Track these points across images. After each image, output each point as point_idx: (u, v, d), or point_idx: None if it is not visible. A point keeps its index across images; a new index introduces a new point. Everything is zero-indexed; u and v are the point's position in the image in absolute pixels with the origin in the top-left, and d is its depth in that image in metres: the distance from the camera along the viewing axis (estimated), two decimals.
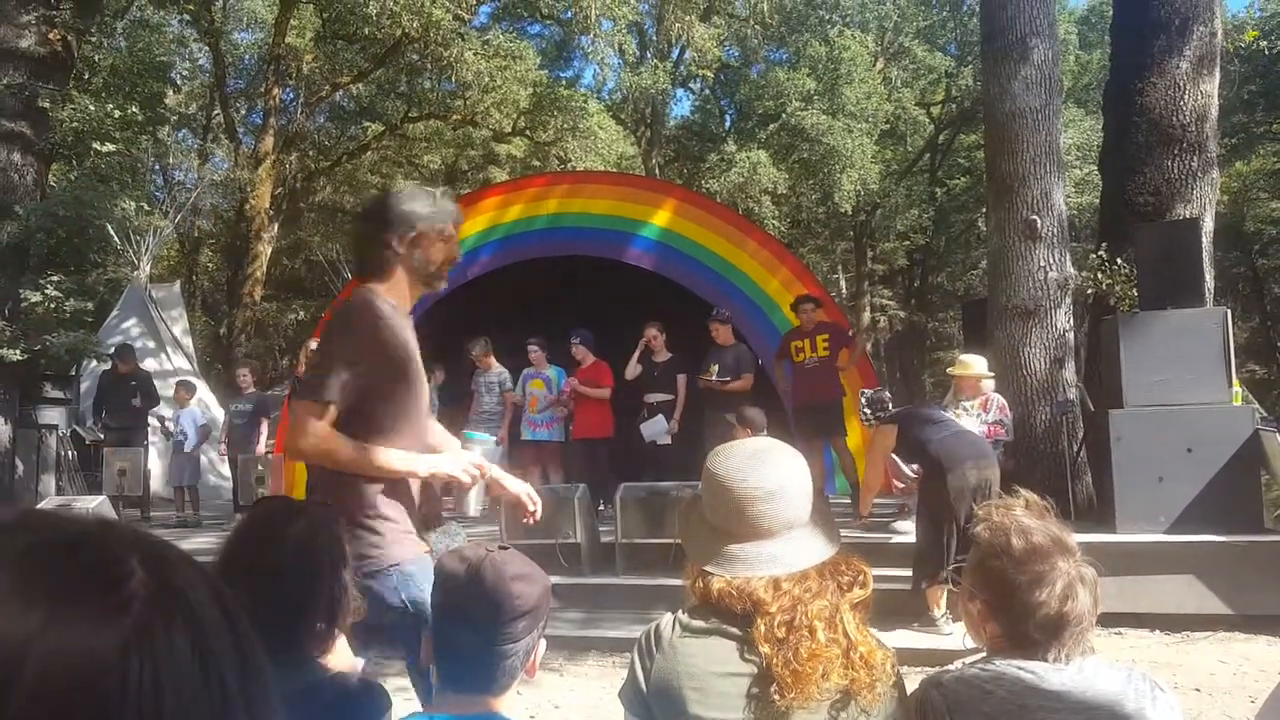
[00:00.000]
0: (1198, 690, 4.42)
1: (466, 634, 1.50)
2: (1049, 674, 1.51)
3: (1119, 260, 7.42)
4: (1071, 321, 7.71)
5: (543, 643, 1.58)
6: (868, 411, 6.66)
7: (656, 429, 8.32)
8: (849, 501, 8.87)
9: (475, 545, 1.61)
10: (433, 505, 6.25)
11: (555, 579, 1.64)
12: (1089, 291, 7.94)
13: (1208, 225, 7.70)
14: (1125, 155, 8.11)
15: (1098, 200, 10.82)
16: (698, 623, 1.57)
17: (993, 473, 5.33)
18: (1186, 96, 7.76)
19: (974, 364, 6.86)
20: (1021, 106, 7.59)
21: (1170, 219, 7.46)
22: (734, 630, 1.53)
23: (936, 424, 5.60)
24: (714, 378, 7.88)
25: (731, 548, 1.57)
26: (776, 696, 1.45)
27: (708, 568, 1.57)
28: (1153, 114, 7.83)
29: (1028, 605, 1.53)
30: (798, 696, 1.44)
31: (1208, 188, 7.79)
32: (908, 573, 5.70)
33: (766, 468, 1.61)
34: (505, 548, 1.60)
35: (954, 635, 5.15)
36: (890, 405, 6.65)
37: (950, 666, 1.63)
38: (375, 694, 1.69)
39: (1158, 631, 5.54)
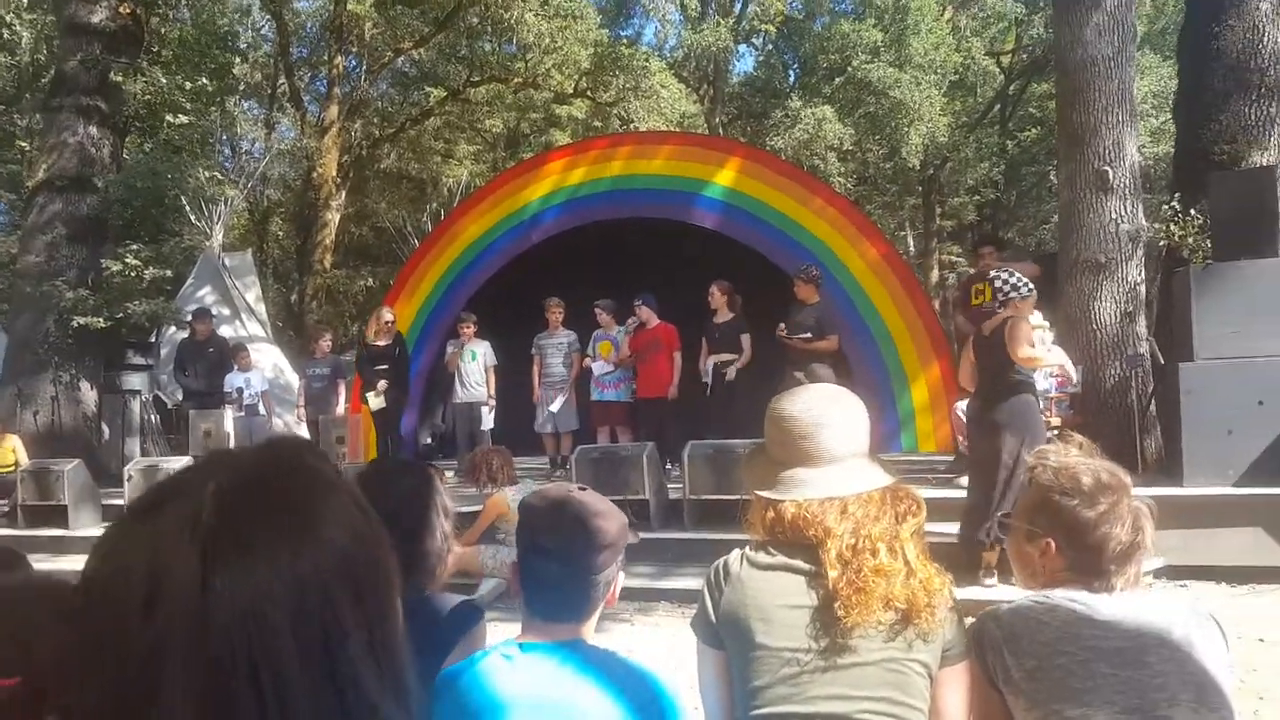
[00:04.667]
0: (1261, 640, 4.41)
1: (553, 566, 1.62)
2: (1100, 604, 1.60)
3: (1192, 211, 7.27)
4: (1143, 274, 7.59)
5: (621, 575, 1.70)
6: (1017, 287, 5.51)
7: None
8: (917, 459, 8.92)
9: (558, 485, 1.75)
10: (509, 465, 6.49)
11: None
12: (1161, 243, 7.78)
13: None
14: (1200, 102, 7.90)
15: (1173, 149, 10.53)
16: (764, 558, 1.68)
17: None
18: (1265, 38, 7.51)
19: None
20: (1093, 54, 7.42)
21: (1245, 167, 7.27)
22: (801, 565, 1.64)
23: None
24: (794, 335, 7.81)
25: (798, 472, 1.69)
26: (841, 613, 1.55)
27: (773, 494, 1.69)
28: (1229, 58, 7.60)
29: (1105, 538, 1.62)
30: (860, 611, 1.54)
31: None
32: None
33: (829, 401, 1.75)
34: (584, 489, 1.73)
35: (997, 588, 5.18)
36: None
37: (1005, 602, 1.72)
38: (469, 609, 1.90)
39: (1223, 584, 5.53)
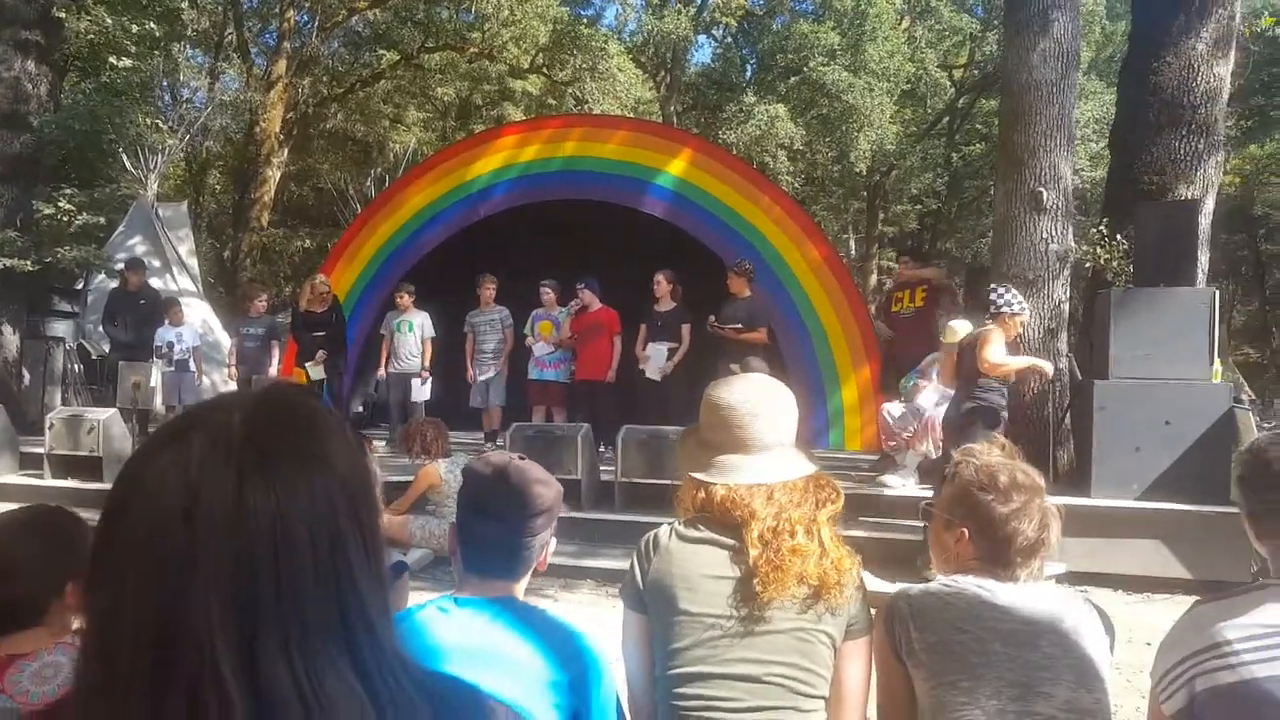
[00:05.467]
0: (1148, 644, 4.68)
1: (491, 526, 1.71)
2: (1000, 591, 1.76)
3: (1119, 236, 7.59)
4: (1069, 293, 7.89)
5: (553, 541, 1.81)
6: (1010, 303, 5.97)
7: (657, 360, 8.49)
8: (842, 456, 9.15)
9: (501, 453, 1.84)
10: (443, 438, 6.53)
11: None
12: (1088, 264, 8.11)
13: (1208, 207, 7.85)
14: (1135, 132, 8.22)
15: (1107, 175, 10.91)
16: (692, 532, 1.81)
17: None
18: (1200, 77, 7.85)
19: (961, 330, 7.05)
20: (1038, 79, 7.67)
21: (1172, 199, 7.62)
22: (726, 540, 1.77)
23: None
24: (725, 325, 8.00)
25: (730, 458, 1.82)
26: (758, 588, 1.69)
27: (705, 477, 1.82)
28: (1165, 93, 7.93)
29: (1014, 532, 1.78)
30: (776, 587, 1.69)
31: (1212, 170, 7.92)
32: (895, 521, 6.06)
33: (764, 392, 1.89)
34: (524, 458, 1.82)
35: None
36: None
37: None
38: (394, 563, 1.94)
39: (1120, 591, 5.83)
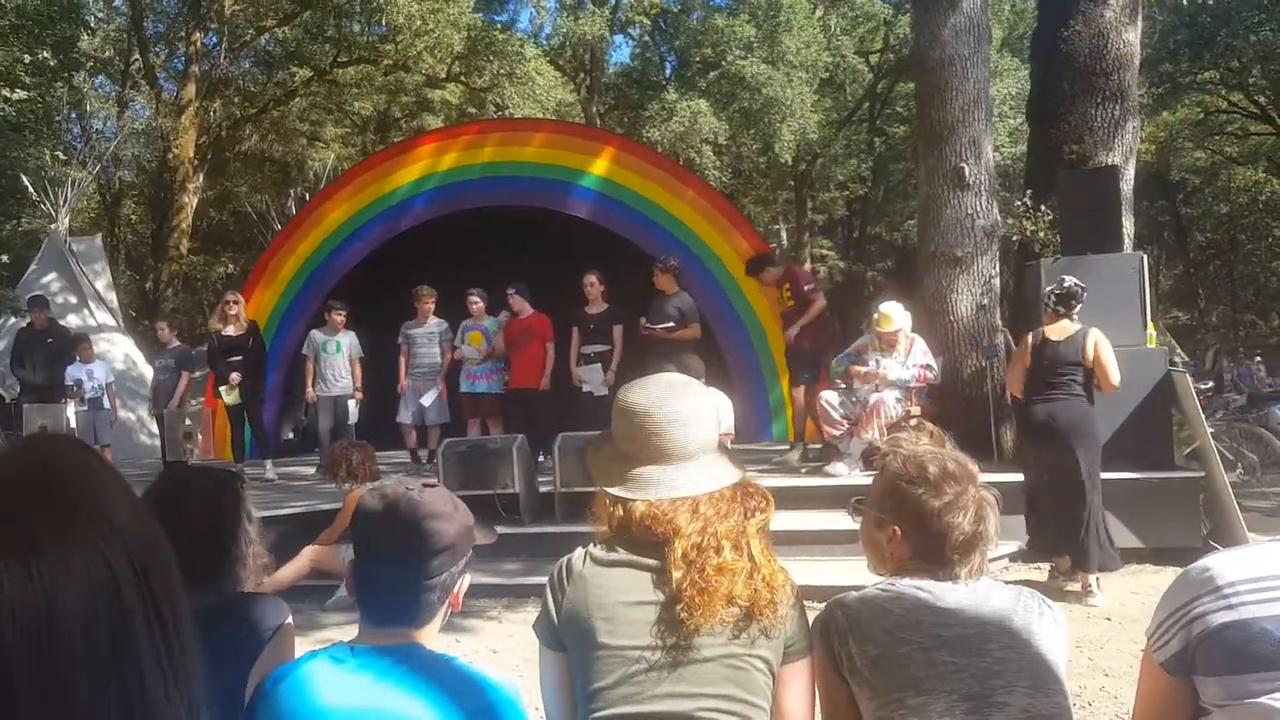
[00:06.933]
0: (1108, 619, 4.62)
1: (383, 569, 1.52)
2: (944, 593, 1.60)
3: (1043, 207, 7.59)
4: (998, 267, 7.88)
5: (466, 578, 1.60)
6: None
7: (594, 378, 8.30)
8: (785, 447, 9.03)
9: (397, 483, 1.61)
10: (370, 461, 6.24)
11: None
12: (1015, 238, 8.10)
13: (1129, 173, 7.89)
14: (1051, 103, 8.24)
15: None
16: (609, 555, 1.61)
17: None
18: (1110, 45, 7.89)
19: (895, 315, 6.95)
20: (951, 54, 7.65)
21: (1093, 166, 7.63)
22: (647, 561, 1.57)
23: None
24: (657, 324, 7.85)
25: (650, 470, 1.63)
26: (684, 615, 1.50)
27: (623, 492, 1.62)
28: (1077, 62, 7.96)
29: (948, 527, 1.61)
30: (703, 613, 1.49)
31: (1129, 135, 7.97)
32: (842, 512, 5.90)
33: (679, 395, 1.68)
34: (431, 485, 1.61)
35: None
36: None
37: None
38: (272, 603, 1.77)
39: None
